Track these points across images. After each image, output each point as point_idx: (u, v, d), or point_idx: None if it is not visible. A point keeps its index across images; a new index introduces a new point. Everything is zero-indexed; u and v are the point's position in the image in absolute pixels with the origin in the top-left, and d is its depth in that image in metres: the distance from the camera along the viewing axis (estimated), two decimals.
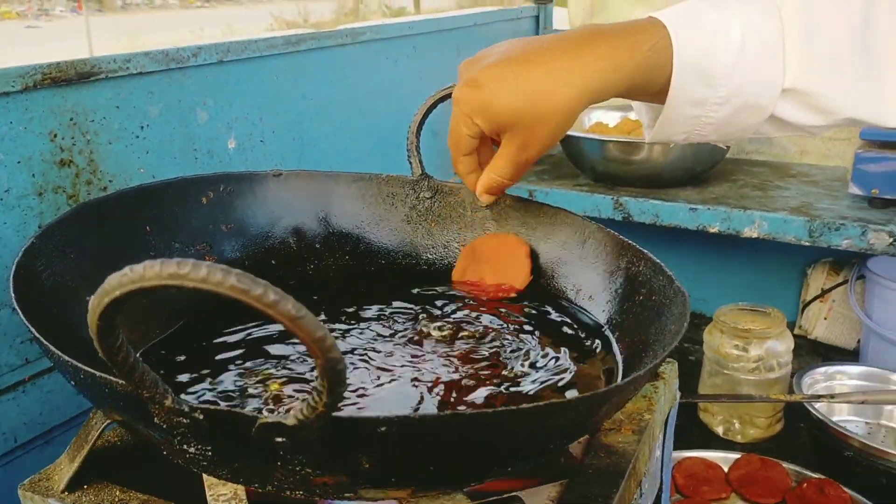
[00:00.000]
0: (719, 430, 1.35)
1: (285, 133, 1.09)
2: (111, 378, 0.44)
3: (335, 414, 0.40)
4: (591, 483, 0.60)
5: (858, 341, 1.59)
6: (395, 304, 0.75)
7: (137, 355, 0.40)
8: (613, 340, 0.69)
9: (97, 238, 0.68)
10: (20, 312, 0.52)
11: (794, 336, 1.39)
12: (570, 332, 0.71)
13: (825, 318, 1.63)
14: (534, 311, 0.74)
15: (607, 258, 0.75)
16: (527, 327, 0.71)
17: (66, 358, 0.47)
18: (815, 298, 1.65)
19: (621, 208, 1.45)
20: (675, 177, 1.48)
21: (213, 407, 0.43)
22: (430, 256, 0.86)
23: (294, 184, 0.83)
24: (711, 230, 1.39)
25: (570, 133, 1.50)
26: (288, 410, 0.47)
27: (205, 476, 0.58)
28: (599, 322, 0.71)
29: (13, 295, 0.53)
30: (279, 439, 0.42)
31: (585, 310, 0.74)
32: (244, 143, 1.02)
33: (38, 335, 0.49)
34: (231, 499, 0.58)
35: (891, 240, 1.26)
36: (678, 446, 1.20)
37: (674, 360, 0.81)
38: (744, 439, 1.33)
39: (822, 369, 1.34)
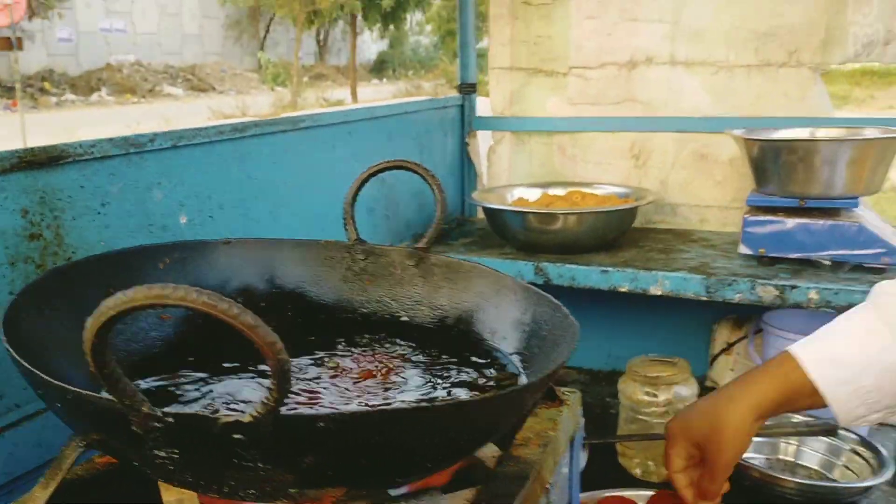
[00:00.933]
0: (637, 472, 1.47)
1: (232, 209, 1.21)
2: (95, 395, 0.54)
3: (283, 411, 0.51)
4: (500, 486, 0.71)
5: None
6: (335, 348, 0.86)
7: (120, 370, 0.50)
8: (521, 368, 0.81)
9: (66, 299, 0.77)
10: (13, 352, 0.61)
11: (705, 387, 1.53)
12: (483, 362, 0.82)
13: (731, 370, 1.79)
14: (454, 351, 0.86)
15: (517, 303, 0.88)
16: (448, 361, 0.83)
17: (57, 382, 0.57)
18: (721, 352, 1.80)
19: (541, 273, 1.59)
20: (589, 243, 1.64)
21: (181, 411, 0.53)
22: (365, 310, 0.97)
23: (241, 250, 0.95)
24: (622, 290, 1.53)
25: (494, 207, 1.66)
26: (244, 412, 0.57)
27: (161, 486, 0.67)
28: (510, 355, 0.84)
29: (4, 338, 0.63)
30: (237, 436, 0.52)
31: (499, 348, 0.86)
32: (194, 218, 1.13)
33: (29, 367, 0.59)
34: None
35: (776, 292, 1.42)
36: (600, 487, 1.32)
37: (577, 391, 0.93)
38: (659, 478, 1.44)
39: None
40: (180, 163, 1.11)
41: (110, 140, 0.99)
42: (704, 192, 1.83)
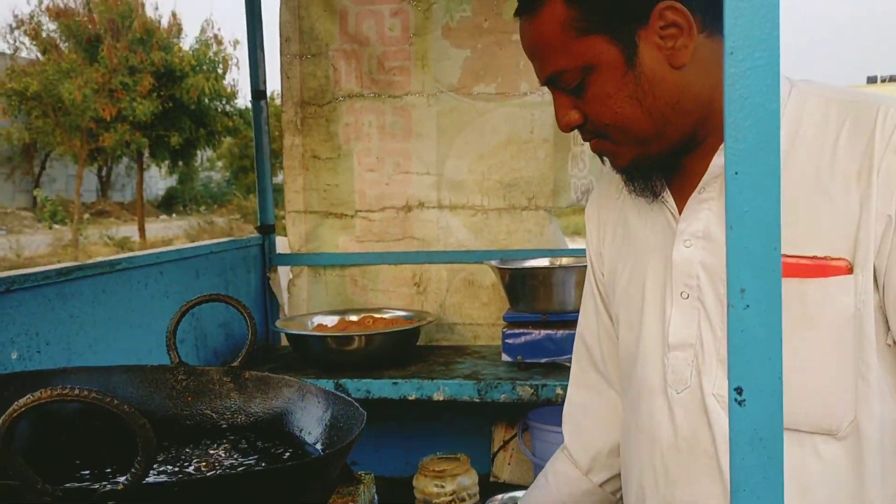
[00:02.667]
0: None
1: (57, 345, 1.34)
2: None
3: (146, 481, 0.70)
4: None
5: None
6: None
7: (20, 457, 0.67)
8: (322, 452, 1.03)
9: None
10: None
11: (489, 482, 1.80)
12: (291, 452, 1.04)
13: (509, 464, 2.08)
14: (267, 447, 1.06)
15: (319, 405, 1.10)
16: (264, 452, 1.03)
17: None
18: (499, 449, 2.10)
19: (341, 388, 1.81)
20: (381, 361, 1.90)
21: (67, 486, 0.70)
22: (189, 423, 1.15)
23: (76, 376, 1.10)
24: (410, 398, 1.79)
25: (297, 333, 1.88)
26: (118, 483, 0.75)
27: None
28: (314, 445, 1.05)
29: None
30: (111, 502, 0.71)
31: (305, 441, 1.08)
32: (24, 353, 1.26)
33: None
34: None
35: (532, 390, 1.75)
36: None
37: (371, 472, 1.15)
38: None
39: (500, 496, 1.75)
40: (12, 304, 1.24)
41: None
42: (474, 312, 2.18)
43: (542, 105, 2.08)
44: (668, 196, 0.97)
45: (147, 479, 0.70)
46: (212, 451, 1.07)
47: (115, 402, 0.67)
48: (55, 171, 20.64)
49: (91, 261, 1.52)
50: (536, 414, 2.00)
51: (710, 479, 0.92)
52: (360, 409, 1.02)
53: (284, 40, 2.20)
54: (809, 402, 0.85)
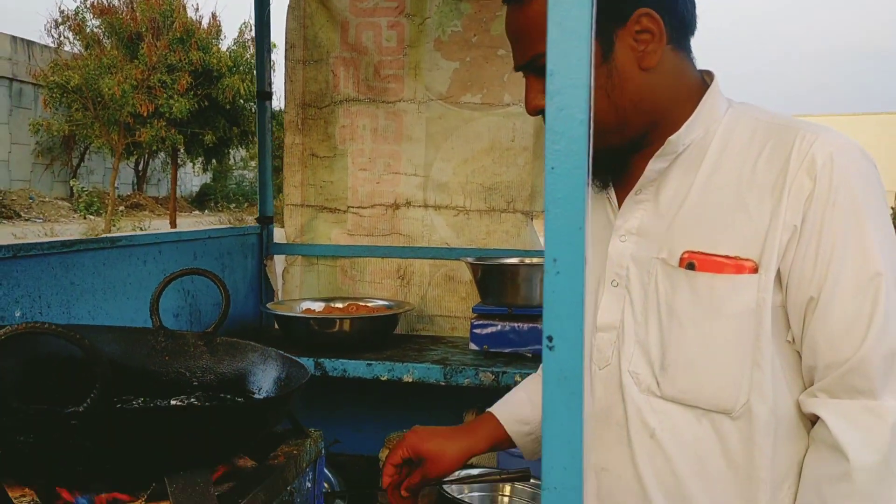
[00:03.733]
0: None
1: (58, 308, 1.51)
2: None
3: (102, 407, 0.86)
4: (251, 479, 1.07)
5: None
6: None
7: (2, 381, 0.84)
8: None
9: None
10: None
11: None
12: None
13: None
14: (227, 398, 1.22)
15: (277, 367, 1.26)
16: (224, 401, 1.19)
17: None
18: None
19: (320, 367, 1.97)
20: (360, 344, 2.05)
21: (39, 407, 0.87)
22: (166, 379, 1.31)
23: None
24: (382, 378, 1.95)
25: (283, 314, 2.04)
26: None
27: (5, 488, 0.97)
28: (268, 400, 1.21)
29: None
30: (73, 422, 0.87)
31: (261, 398, 1.24)
32: (27, 313, 1.43)
33: None
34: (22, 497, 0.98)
35: (493, 377, 1.90)
36: None
37: (320, 430, 1.31)
38: None
39: (456, 473, 1.89)
40: (18, 269, 1.42)
41: None
42: (453, 305, 2.33)
43: (523, 116, 2.22)
44: (611, 193, 1.08)
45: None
46: (178, 402, 1.23)
47: (77, 336, 0.83)
48: (93, 164, 21.16)
49: (94, 237, 1.70)
50: None
51: (619, 447, 1.04)
52: (306, 369, 1.18)
53: (289, 46, 2.38)
54: (710, 382, 0.96)
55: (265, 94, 2.44)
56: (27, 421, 0.87)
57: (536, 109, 1.01)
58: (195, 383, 1.32)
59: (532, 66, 1.00)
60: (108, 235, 1.81)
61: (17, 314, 1.42)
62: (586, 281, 1.13)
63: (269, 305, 2.16)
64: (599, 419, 1.06)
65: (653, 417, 1.01)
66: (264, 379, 1.28)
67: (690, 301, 0.97)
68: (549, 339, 0.62)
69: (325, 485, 2.06)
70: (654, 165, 1.01)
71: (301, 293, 2.41)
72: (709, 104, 1.01)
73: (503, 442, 1.27)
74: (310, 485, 1.26)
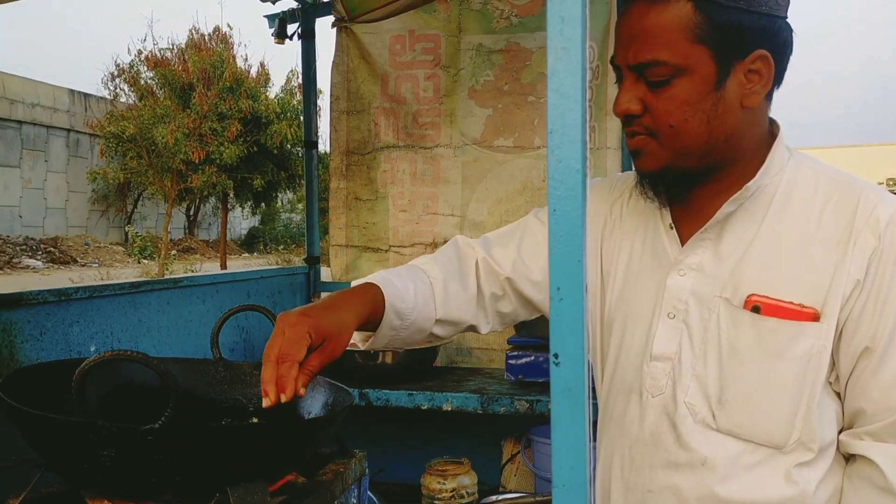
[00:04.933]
0: None
1: (127, 343, 1.67)
2: (64, 417, 1.01)
3: (175, 425, 0.99)
4: (302, 492, 1.19)
5: None
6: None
7: (88, 403, 0.98)
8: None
9: (26, 384, 1.21)
10: (13, 403, 1.06)
11: (499, 491, 2.03)
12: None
13: (515, 475, 2.31)
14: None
15: (325, 393, 1.39)
16: None
17: (33, 411, 1.03)
18: (507, 462, 2.34)
19: (364, 397, 2.10)
20: (402, 375, 2.17)
21: (119, 425, 1.00)
22: (223, 406, 1.44)
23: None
24: (423, 408, 2.06)
25: None
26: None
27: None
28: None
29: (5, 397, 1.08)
30: (150, 437, 1.00)
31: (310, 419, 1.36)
32: (100, 348, 1.59)
33: (15, 404, 1.04)
34: None
35: (528, 405, 2.00)
36: None
37: (364, 452, 1.43)
38: None
39: (494, 497, 1.99)
40: (93, 308, 1.58)
41: (49, 291, 1.47)
42: (490, 338, 2.44)
43: None
44: (672, 233, 1.10)
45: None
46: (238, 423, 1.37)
47: (154, 361, 0.97)
48: (146, 210, 21.85)
49: (158, 279, 1.86)
50: (538, 431, 2.24)
51: (666, 471, 1.07)
52: (351, 394, 1.31)
53: (334, 99, 2.56)
54: (766, 419, 1.01)
55: (312, 144, 2.62)
56: (110, 437, 1.00)
57: (626, 112, 1.01)
58: (251, 409, 1.45)
59: (641, 69, 0.99)
60: (171, 277, 1.97)
61: (92, 349, 1.57)
62: (637, 307, 1.19)
63: None
64: (648, 444, 1.09)
65: (706, 446, 1.04)
66: (313, 404, 1.40)
67: (754, 342, 1.01)
68: (556, 356, 0.72)
69: None
70: (726, 209, 1.03)
71: None
72: (778, 153, 1.05)
73: (375, 316, 1.14)
74: (355, 501, 1.38)
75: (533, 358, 2.07)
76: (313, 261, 2.60)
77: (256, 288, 2.25)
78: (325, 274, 2.61)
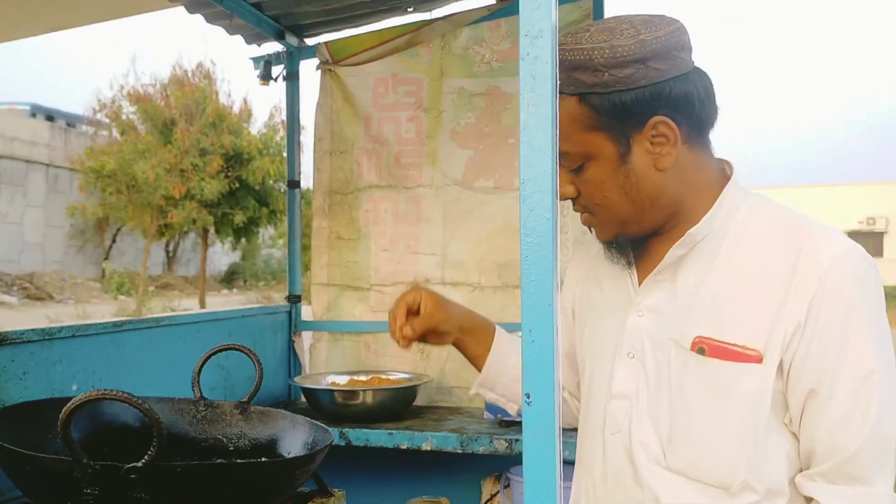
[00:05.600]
0: None
1: (108, 382, 1.67)
2: (49, 456, 1.02)
3: (158, 463, 1.01)
4: None
5: None
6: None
7: (74, 441, 0.99)
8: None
9: (7, 423, 1.22)
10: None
11: None
12: None
13: None
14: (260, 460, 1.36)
15: (305, 432, 1.40)
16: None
17: (18, 449, 1.04)
18: (487, 501, 2.34)
19: (344, 436, 2.10)
20: (382, 415, 2.18)
21: (104, 463, 1.02)
22: (204, 445, 1.45)
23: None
24: (403, 447, 2.07)
25: (309, 387, 2.19)
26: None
27: None
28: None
29: None
30: (133, 476, 1.01)
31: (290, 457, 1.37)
32: (82, 387, 1.59)
33: (14, 448, 1.05)
34: None
35: (506, 444, 2.01)
36: None
37: (344, 490, 1.44)
38: None
39: None
40: (75, 347, 1.59)
41: (33, 330, 1.48)
42: (471, 376, 2.44)
43: None
44: (633, 271, 1.15)
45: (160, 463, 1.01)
46: (221, 461, 1.37)
47: (138, 400, 0.99)
48: (125, 245, 21.71)
49: (140, 318, 1.87)
50: (517, 470, 2.24)
51: None
52: (331, 433, 1.33)
53: (318, 139, 2.60)
54: (712, 458, 1.04)
55: (294, 183, 2.65)
56: (94, 475, 1.01)
57: (565, 197, 1.10)
58: (231, 448, 1.46)
59: (560, 158, 1.04)
60: (153, 316, 1.99)
61: (74, 387, 1.58)
62: (604, 346, 1.24)
63: (296, 379, 2.31)
64: (610, 480, 1.13)
65: (658, 485, 1.07)
66: (293, 444, 1.42)
67: (699, 383, 1.04)
68: (528, 395, 0.75)
69: None
70: (674, 252, 1.08)
71: (327, 367, 2.56)
72: (729, 196, 1.08)
73: (482, 345, 1.48)
74: None
75: None
76: (295, 299, 2.61)
77: (238, 327, 2.26)
78: (307, 312, 2.62)
